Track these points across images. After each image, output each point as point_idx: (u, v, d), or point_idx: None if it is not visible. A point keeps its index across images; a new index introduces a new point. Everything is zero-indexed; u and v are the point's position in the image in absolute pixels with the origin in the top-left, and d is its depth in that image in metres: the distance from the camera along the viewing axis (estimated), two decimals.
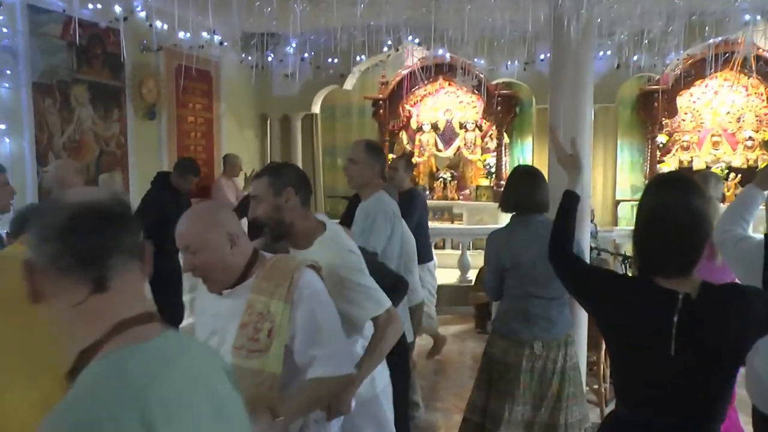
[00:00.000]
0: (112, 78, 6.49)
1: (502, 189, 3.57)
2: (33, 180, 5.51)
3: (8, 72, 5.24)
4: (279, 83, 9.37)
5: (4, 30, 5.22)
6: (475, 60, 7.89)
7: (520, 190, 3.37)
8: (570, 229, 2.33)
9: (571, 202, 2.38)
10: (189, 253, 1.99)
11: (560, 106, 4.32)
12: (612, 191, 9.33)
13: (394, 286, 2.83)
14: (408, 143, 10.24)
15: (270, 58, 8.71)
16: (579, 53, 4.24)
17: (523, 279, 3.30)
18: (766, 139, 8.89)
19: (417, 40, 7.93)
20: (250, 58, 8.49)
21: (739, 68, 8.33)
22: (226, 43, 7.75)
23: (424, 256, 5.05)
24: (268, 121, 9.86)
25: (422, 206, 5.21)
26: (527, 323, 3.30)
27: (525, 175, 3.46)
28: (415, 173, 10.01)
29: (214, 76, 8.22)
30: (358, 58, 8.37)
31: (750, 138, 8.96)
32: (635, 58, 7.56)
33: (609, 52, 7.75)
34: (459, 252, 8.37)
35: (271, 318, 2.00)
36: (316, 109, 9.85)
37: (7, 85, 5.27)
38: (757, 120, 8.96)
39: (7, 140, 5.24)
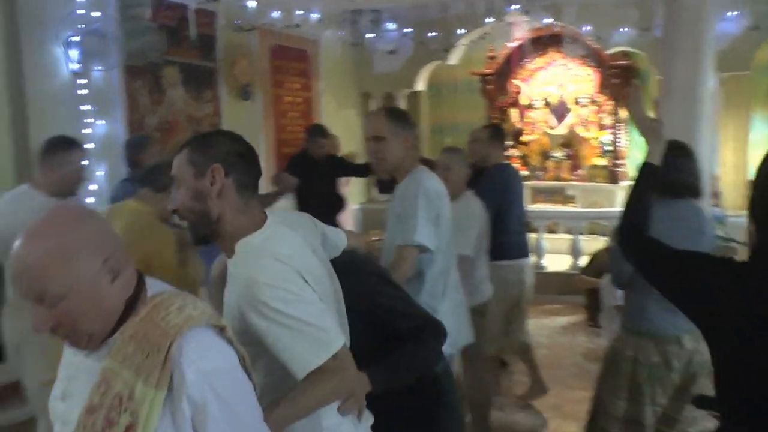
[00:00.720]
0: (203, 59, 6.42)
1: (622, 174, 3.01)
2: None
3: (99, 55, 5.23)
4: (380, 60, 9.08)
5: (95, 14, 5.20)
6: (583, 28, 7.23)
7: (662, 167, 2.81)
8: (647, 210, 1.88)
9: (649, 177, 1.97)
10: (42, 305, 1.23)
11: (673, 74, 3.75)
12: (744, 171, 8.36)
13: (418, 329, 2.05)
14: (518, 121, 9.68)
15: (370, 35, 8.43)
16: (699, 12, 3.65)
17: None
18: None
19: (518, 7, 7.36)
20: (347, 35, 8.25)
21: None
22: (323, 21, 7.52)
23: (518, 251, 4.48)
24: (370, 100, 9.60)
25: (510, 187, 4.48)
26: (670, 315, 2.63)
27: (671, 149, 2.67)
28: (525, 152, 9.49)
29: (311, 55, 8.04)
30: (458, 32, 7.92)
31: None
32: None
33: (737, 13, 6.84)
34: (571, 237, 7.79)
35: (133, 408, 1.21)
36: (419, 86, 9.48)
37: (99, 68, 5.27)
38: None
39: (101, 122, 5.24)
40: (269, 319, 1.54)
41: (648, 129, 2.08)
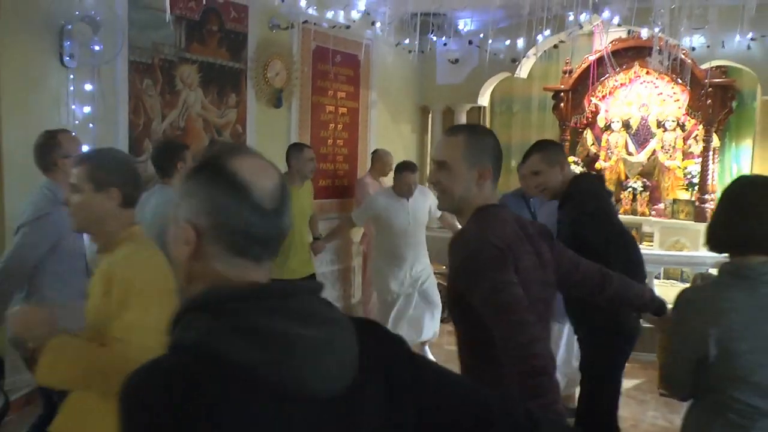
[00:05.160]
0: (230, 58, 5.68)
1: (711, 211, 2.18)
2: None
3: (99, 48, 4.54)
4: (443, 70, 8.21)
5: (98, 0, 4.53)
6: (679, 36, 6.12)
7: (743, 217, 1.95)
8: None
9: None
10: None
11: None
12: None
13: None
14: (593, 144, 8.62)
15: (432, 41, 7.57)
16: None
17: (744, 381, 1.88)
18: None
19: (608, 14, 6.32)
20: (408, 41, 7.40)
21: None
22: (378, 24, 6.70)
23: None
24: (430, 115, 8.73)
25: None
26: None
27: (753, 191, 1.98)
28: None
29: (363, 61, 7.22)
30: (535, 39, 6.97)
31: None
32: None
33: None
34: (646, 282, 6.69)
35: None
36: (483, 101, 8.55)
37: (98, 62, 4.59)
38: None
39: (90, 125, 4.54)
40: None
41: None
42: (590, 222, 3.14)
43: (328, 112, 6.91)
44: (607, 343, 3.35)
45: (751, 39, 6.00)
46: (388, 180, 6.36)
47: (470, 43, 7.47)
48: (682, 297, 2.08)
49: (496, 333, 1.86)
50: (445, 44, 7.54)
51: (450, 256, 2.08)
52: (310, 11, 5.89)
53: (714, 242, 2.04)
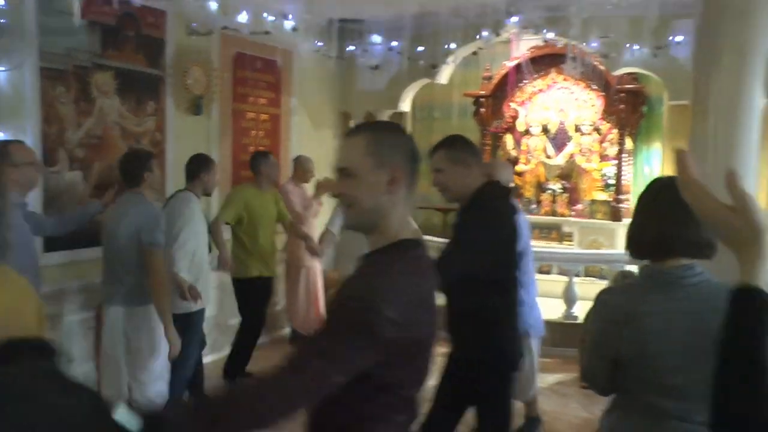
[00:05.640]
0: (148, 65, 5.52)
1: (627, 211, 2.16)
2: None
3: (8, 55, 4.33)
4: (364, 77, 8.21)
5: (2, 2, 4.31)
6: (591, 44, 6.34)
7: (658, 220, 1.93)
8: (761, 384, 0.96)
9: (753, 316, 1.03)
10: None
11: (709, 101, 2.84)
12: None
13: None
14: (513, 148, 8.82)
15: (352, 48, 7.57)
16: (746, 16, 2.75)
17: (654, 383, 1.90)
18: None
19: (517, 20, 6.48)
20: (328, 47, 7.37)
21: None
22: (298, 29, 6.64)
23: None
24: (352, 121, 8.72)
25: None
26: None
27: (668, 194, 1.84)
28: (519, 183, 8.64)
29: (283, 67, 7.14)
30: (449, 47, 7.07)
31: None
32: None
33: None
34: (566, 279, 6.84)
35: None
36: (404, 106, 8.60)
37: (3, 68, 4.37)
38: None
39: (0, 134, 4.32)
40: None
41: (727, 221, 1.10)
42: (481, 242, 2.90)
43: (249, 119, 6.80)
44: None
45: (657, 48, 6.26)
46: (311, 187, 6.32)
47: (390, 50, 7.50)
48: (599, 298, 2.09)
49: (299, 357, 1.61)
50: (365, 50, 7.55)
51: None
52: (229, 17, 5.78)
53: (633, 247, 2.03)
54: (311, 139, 7.77)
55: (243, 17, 6.00)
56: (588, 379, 2.13)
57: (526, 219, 4.36)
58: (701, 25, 2.88)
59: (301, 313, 6.42)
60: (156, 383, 4.06)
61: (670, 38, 6.25)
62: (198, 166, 4.73)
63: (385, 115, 8.60)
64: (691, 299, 1.87)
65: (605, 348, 1.97)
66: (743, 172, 2.59)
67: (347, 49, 7.64)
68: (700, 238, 1.86)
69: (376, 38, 7.56)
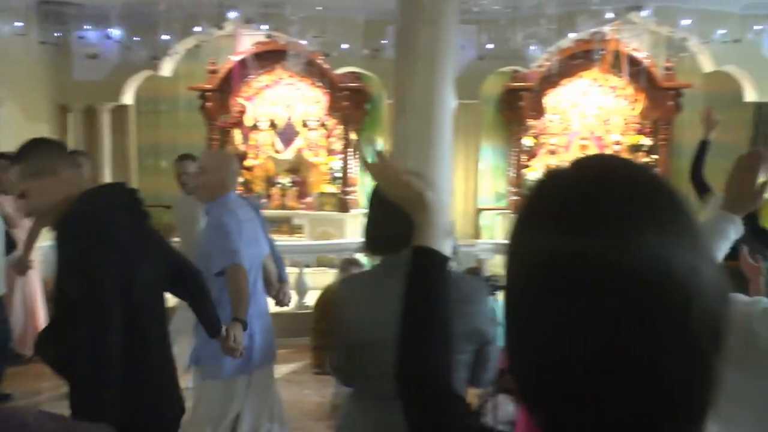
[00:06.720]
0: None
1: (353, 202, 2.21)
2: None
3: None
4: (81, 66, 7.65)
5: None
6: (309, 40, 6.58)
7: (391, 217, 1.99)
8: (441, 340, 1.09)
9: (428, 272, 1.14)
10: None
11: (407, 100, 3.11)
12: (474, 199, 8.36)
13: None
14: (242, 143, 8.82)
15: (60, 33, 7.01)
16: (437, 25, 3.06)
17: (373, 368, 1.93)
18: (633, 143, 8.32)
19: (236, 15, 6.50)
20: (37, 31, 6.76)
21: (608, 67, 7.72)
22: (5, 12, 5.99)
23: None
24: (69, 114, 8.09)
25: None
26: None
27: None
28: (248, 177, 8.68)
29: None
30: (165, 38, 6.87)
31: (617, 142, 8.35)
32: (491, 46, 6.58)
33: (470, 42, 6.72)
34: (297, 270, 6.99)
35: None
36: (127, 99, 8.18)
37: None
38: (624, 123, 8.38)
39: None
40: None
41: (405, 193, 1.27)
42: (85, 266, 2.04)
43: None
44: None
45: (375, 50, 6.70)
46: None
47: (108, 38, 7.09)
48: (329, 288, 2.20)
49: None
50: (80, 38, 7.04)
51: None
52: None
53: (367, 243, 2.08)
54: (25, 133, 6.95)
55: None
56: (333, 370, 2.20)
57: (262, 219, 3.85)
58: (400, 31, 3.16)
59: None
60: None
61: (384, 42, 6.71)
62: None
63: (106, 108, 8.13)
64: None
65: (339, 336, 2.07)
66: (439, 163, 2.89)
67: (55, 34, 7.05)
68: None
69: (89, 25, 7.10)
